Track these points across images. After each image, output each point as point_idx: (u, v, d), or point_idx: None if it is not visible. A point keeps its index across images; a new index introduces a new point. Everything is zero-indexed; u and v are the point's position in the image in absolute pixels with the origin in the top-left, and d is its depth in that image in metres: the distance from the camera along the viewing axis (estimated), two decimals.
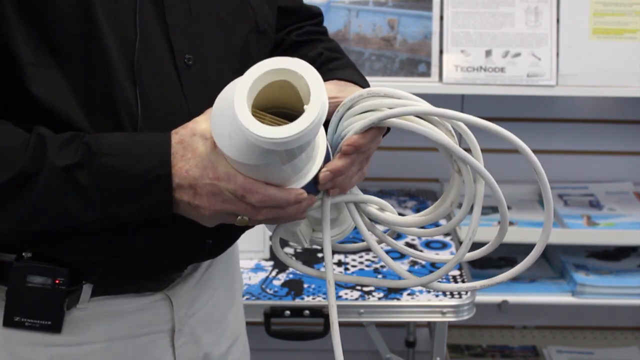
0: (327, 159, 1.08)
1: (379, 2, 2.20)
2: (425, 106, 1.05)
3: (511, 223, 2.24)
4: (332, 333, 1.09)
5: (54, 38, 1.05)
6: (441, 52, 2.18)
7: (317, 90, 0.97)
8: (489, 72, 2.16)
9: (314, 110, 0.96)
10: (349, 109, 1.10)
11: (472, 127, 1.06)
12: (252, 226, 1.14)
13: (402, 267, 1.16)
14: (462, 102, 2.47)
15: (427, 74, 2.19)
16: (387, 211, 1.14)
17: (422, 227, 1.14)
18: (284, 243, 2.12)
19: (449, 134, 1.06)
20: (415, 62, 2.19)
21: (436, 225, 1.17)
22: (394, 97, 1.07)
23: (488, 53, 2.16)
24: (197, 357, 1.27)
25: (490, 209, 2.25)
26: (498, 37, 2.17)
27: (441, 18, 2.19)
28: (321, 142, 1.07)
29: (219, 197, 1.04)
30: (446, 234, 2.19)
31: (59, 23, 1.05)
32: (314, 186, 1.07)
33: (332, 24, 2.19)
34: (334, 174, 1.07)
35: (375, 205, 1.14)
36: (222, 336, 1.32)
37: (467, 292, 1.90)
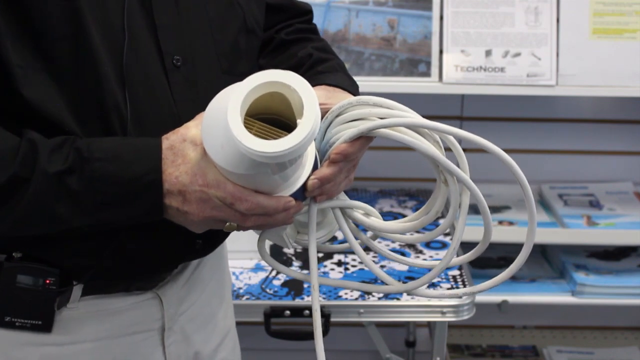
0: (315, 167, 1.08)
1: (379, 2, 2.20)
2: (415, 118, 1.06)
3: (511, 223, 2.24)
4: (315, 336, 1.10)
5: (43, 40, 1.05)
6: (441, 52, 2.18)
7: (311, 105, 0.98)
8: (489, 72, 2.16)
9: (308, 125, 0.97)
10: (337, 116, 1.10)
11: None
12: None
13: (384, 273, 1.16)
14: (462, 102, 2.47)
15: (427, 74, 2.19)
16: (372, 216, 1.15)
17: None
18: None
19: (437, 145, 1.07)
20: (415, 62, 2.19)
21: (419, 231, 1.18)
22: (383, 106, 1.07)
23: (488, 53, 2.16)
24: (187, 355, 1.28)
25: (489, 209, 2.25)
26: (498, 37, 2.17)
27: (441, 18, 2.19)
28: (310, 150, 1.07)
29: (208, 204, 1.04)
30: (446, 234, 2.18)
31: (47, 25, 1.05)
32: (301, 192, 1.07)
33: (332, 24, 2.19)
34: (322, 181, 1.08)
35: (361, 210, 1.14)
36: (212, 334, 1.33)
37: None
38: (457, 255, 1.14)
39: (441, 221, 1.12)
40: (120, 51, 1.08)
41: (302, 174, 1.06)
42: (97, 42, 1.06)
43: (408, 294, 1.17)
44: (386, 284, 1.16)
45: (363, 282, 1.91)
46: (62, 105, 1.06)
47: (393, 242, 1.24)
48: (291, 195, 1.05)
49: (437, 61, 2.18)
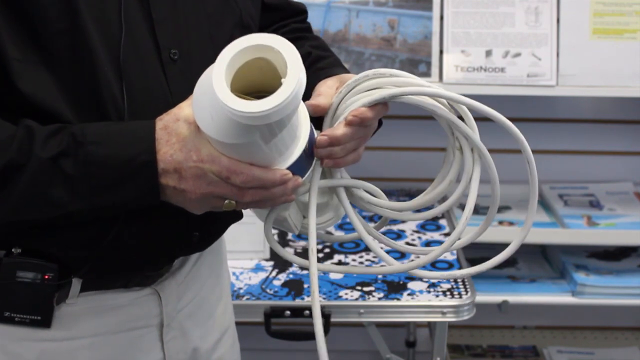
0: (311, 141, 1.08)
1: (379, 2, 2.20)
2: (437, 89, 1.08)
3: (511, 223, 2.24)
4: (314, 316, 1.08)
5: (40, 35, 1.06)
6: (441, 52, 2.18)
7: (294, 64, 0.97)
8: (489, 72, 2.16)
9: (292, 82, 0.96)
10: (352, 89, 1.11)
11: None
12: (241, 213, 1.17)
13: (385, 253, 1.16)
14: None
15: (427, 74, 2.19)
16: (380, 198, 1.15)
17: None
18: (285, 244, 2.12)
19: (453, 111, 1.09)
20: (415, 62, 2.19)
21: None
22: (400, 76, 1.09)
23: (488, 53, 2.16)
24: (185, 351, 1.28)
25: (489, 209, 2.24)
26: (498, 37, 2.17)
27: (441, 18, 2.19)
28: (304, 123, 1.07)
29: (203, 180, 1.05)
30: (441, 229, 2.19)
31: (43, 20, 1.05)
32: (299, 167, 1.07)
33: (332, 24, 2.19)
34: (331, 140, 1.08)
35: (368, 190, 1.15)
36: (210, 330, 1.33)
37: (467, 292, 1.91)
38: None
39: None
40: (117, 45, 1.09)
41: (297, 146, 1.06)
42: (94, 36, 1.07)
43: (409, 274, 1.18)
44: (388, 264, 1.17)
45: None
46: (60, 98, 1.07)
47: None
48: (289, 169, 1.05)
49: (438, 61, 2.19)
